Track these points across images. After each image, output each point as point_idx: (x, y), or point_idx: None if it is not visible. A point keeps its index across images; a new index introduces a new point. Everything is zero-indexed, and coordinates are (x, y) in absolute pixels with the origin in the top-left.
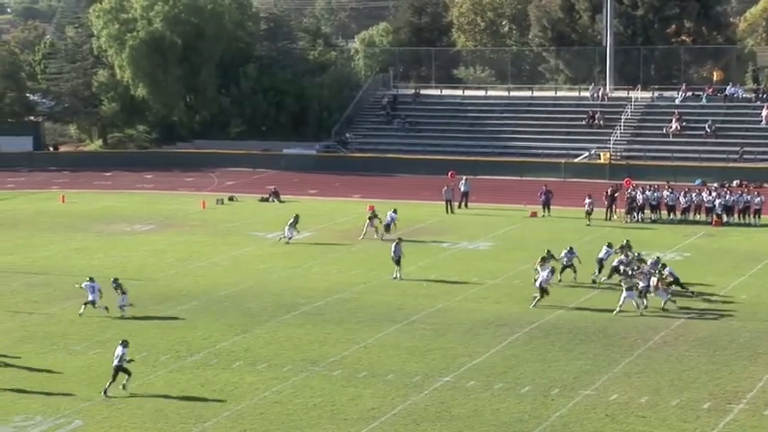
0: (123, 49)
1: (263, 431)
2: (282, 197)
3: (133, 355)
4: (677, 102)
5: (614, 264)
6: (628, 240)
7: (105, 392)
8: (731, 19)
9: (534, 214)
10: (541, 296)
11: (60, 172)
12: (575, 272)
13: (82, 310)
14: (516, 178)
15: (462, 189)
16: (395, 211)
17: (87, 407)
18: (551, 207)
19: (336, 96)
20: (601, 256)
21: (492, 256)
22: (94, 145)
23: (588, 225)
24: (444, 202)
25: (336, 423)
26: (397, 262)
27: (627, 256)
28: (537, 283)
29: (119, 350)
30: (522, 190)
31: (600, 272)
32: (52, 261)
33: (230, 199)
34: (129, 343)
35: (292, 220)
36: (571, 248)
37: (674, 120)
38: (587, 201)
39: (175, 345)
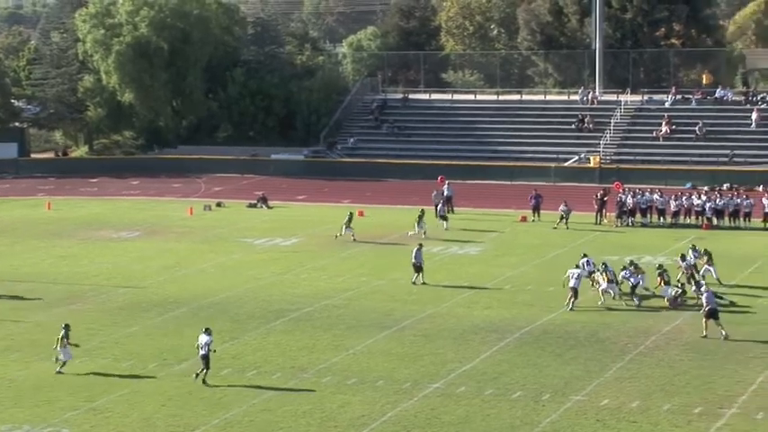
0: (109, 54)
1: None
2: (271, 203)
3: (120, 362)
4: (667, 105)
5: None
6: (705, 249)
7: (204, 382)
8: (720, 22)
9: (524, 219)
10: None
11: (46, 179)
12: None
13: None
14: (506, 183)
15: (445, 193)
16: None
17: (74, 416)
18: (541, 211)
19: (324, 101)
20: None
21: (482, 261)
22: (80, 151)
23: (555, 228)
24: (434, 207)
25: (326, 430)
26: (419, 268)
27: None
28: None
29: (204, 338)
30: (511, 194)
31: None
32: (37, 268)
33: (218, 205)
34: (212, 330)
35: (347, 218)
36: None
37: (663, 123)
38: (562, 207)
39: (163, 352)
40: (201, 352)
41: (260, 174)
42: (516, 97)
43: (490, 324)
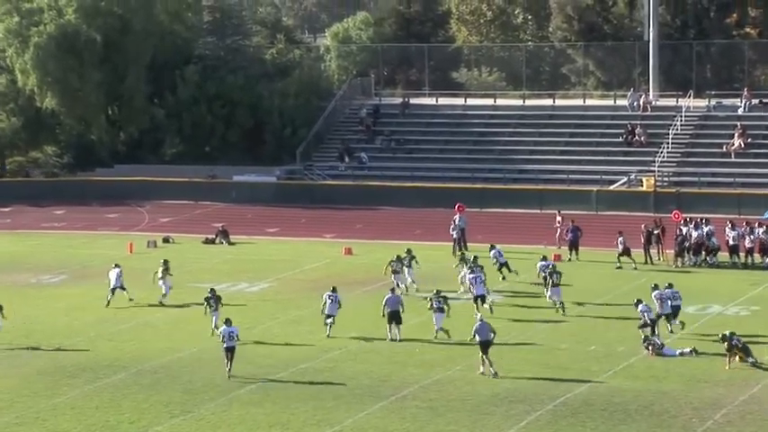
0: (26, 48)
1: None
2: (232, 238)
3: None
4: (740, 112)
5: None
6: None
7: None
8: None
9: (558, 257)
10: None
11: None
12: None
13: None
14: (534, 211)
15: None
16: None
17: None
18: (580, 248)
19: (302, 107)
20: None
21: (504, 311)
22: None
23: (619, 268)
24: (453, 242)
25: None
26: (396, 317)
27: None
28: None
29: (228, 329)
30: (542, 226)
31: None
32: None
33: (165, 241)
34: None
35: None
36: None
37: (736, 135)
38: (619, 239)
39: (96, 431)
40: (229, 343)
41: (219, 200)
42: (548, 102)
43: (515, 393)
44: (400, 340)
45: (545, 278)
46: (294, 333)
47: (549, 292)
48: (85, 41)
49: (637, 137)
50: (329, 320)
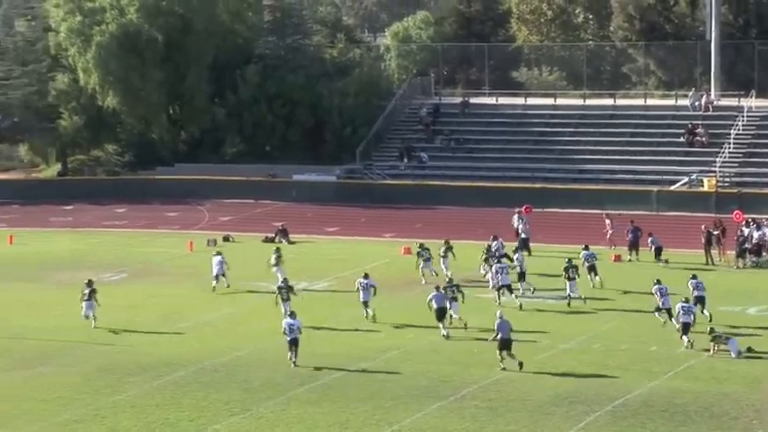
0: (89, 48)
1: None
2: (292, 237)
3: None
4: None
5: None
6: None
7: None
8: None
9: (618, 258)
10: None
11: (8, 205)
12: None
13: None
14: (595, 211)
15: (515, 225)
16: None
17: None
18: (641, 248)
19: (362, 107)
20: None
21: (563, 311)
22: (51, 170)
23: (666, 262)
24: (518, 240)
25: None
26: (443, 314)
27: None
28: None
29: (293, 321)
30: (601, 227)
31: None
32: None
33: (225, 239)
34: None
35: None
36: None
37: None
38: (649, 239)
39: (155, 428)
40: (290, 336)
41: (279, 199)
42: (608, 102)
43: (574, 393)
44: (448, 335)
45: (565, 269)
46: (353, 332)
47: (567, 287)
48: (147, 41)
49: (698, 137)
50: (367, 308)
